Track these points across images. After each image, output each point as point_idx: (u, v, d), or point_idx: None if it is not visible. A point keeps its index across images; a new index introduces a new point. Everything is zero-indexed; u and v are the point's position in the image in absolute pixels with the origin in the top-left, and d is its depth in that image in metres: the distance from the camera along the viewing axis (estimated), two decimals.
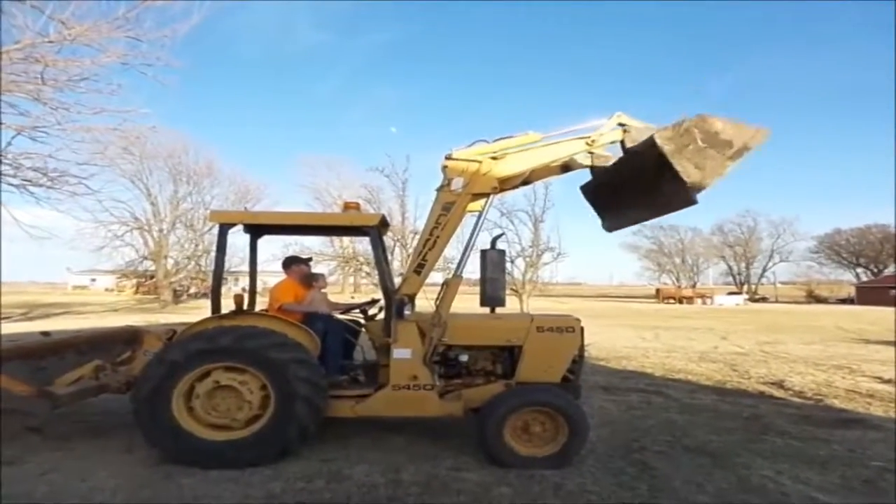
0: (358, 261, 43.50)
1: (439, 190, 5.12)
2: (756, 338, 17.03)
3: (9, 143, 16.40)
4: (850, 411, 6.91)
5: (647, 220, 5.79)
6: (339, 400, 4.82)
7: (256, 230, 5.76)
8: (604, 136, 5.15)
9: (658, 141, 4.48)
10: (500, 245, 5.48)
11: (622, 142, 5.13)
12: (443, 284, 5.18)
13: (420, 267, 5.07)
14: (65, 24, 14.21)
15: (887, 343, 14.66)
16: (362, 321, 5.50)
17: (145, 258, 41.01)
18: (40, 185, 17.44)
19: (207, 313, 5.03)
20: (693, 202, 4.60)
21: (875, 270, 72.74)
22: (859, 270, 75.79)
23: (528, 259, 36.68)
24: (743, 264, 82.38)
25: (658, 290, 68.95)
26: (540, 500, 3.91)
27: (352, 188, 48.41)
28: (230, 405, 4.51)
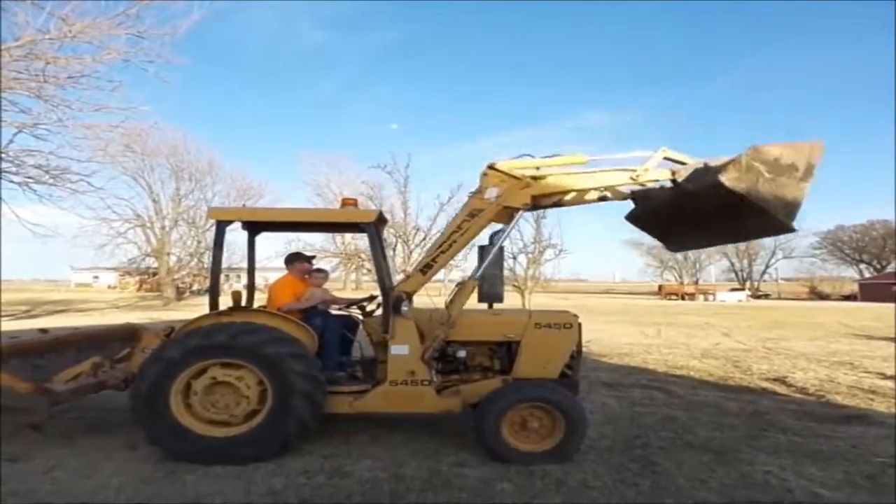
0: (360, 257, 43.55)
1: (471, 195, 5.12)
2: (758, 334, 16.98)
3: (10, 141, 16.44)
4: (853, 407, 6.89)
5: (729, 243, 5.81)
6: (336, 396, 4.81)
7: (254, 227, 5.75)
8: (649, 173, 5.06)
9: (728, 183, 4.39)
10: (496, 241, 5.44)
11: (673, 179, 5.02)
12: (457, 285, 5.16)
13: (427, 267, 5.06)
14: (66, 20, 14.24)
15: (890, 339, 14.61)
16: (360, 317, 5.48)
17: (147, 255, 41.12)
18: (42, 183, 17.49)
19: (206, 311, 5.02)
20: (792, 230, 4.68)
21: (878, 267, 72.54)
22: (862, 267, 75.59)
23: (530, 255, 36.65)
24: (745, 261, 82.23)
25: (661, 287, 68.96)
26: (542, 496, 3.89)
27: (353, 185, 48.41)
28: (228, 401, 4.51)
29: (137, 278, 49.57)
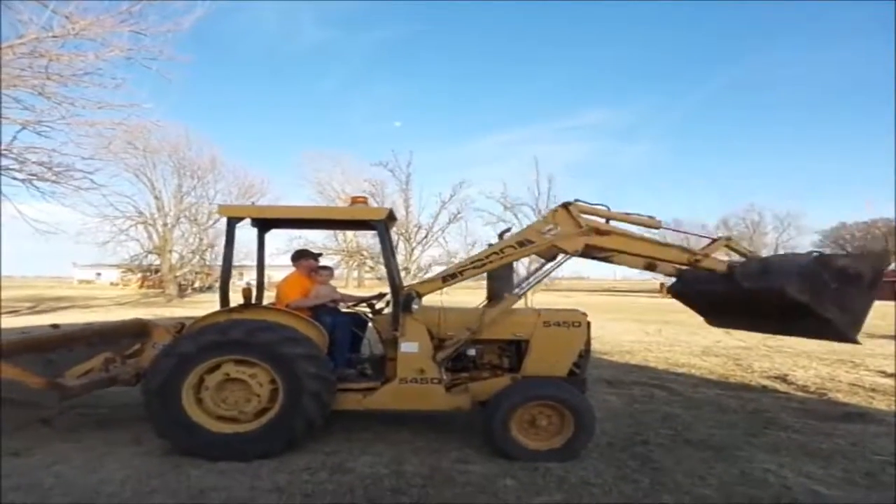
0: (362, 255, 43.61)
1: (530, 226, 5.18)
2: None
3: (14, 138, 16.47)
4: (853, 405, 6.93)
5: (777, 335, 5.71)
6: (346, 393, 4.86)
7: (264, 224, 5.79)
8: (709, 261, 5.05)
9: (793, 294, 4.39)
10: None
11: (729, 273, 4.97)
12: (503, 294, 5.19)
13: (451, 277, 5.08)
14: (69, 18, 14.24)
15: (891, 337, 14.62)
16: (370, 315, 5.53)
17: (150, 252, 41.21)
18: (45, 180, 17.52)
19: (213, 307, 5.07)
20: (855, 342, 4.64)
21: None
22: None
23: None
24: None
25: (662, 285, 68.78)
26: (544, 493, 3.95)
27: (355, 183, 48.43)
28: (239, 398, 4.56)
29: (140, 275, 49.64)
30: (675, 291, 5.77)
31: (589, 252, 5.09)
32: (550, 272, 5.24)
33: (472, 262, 5.10)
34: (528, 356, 5.05)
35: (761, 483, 4.21)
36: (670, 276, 5.40)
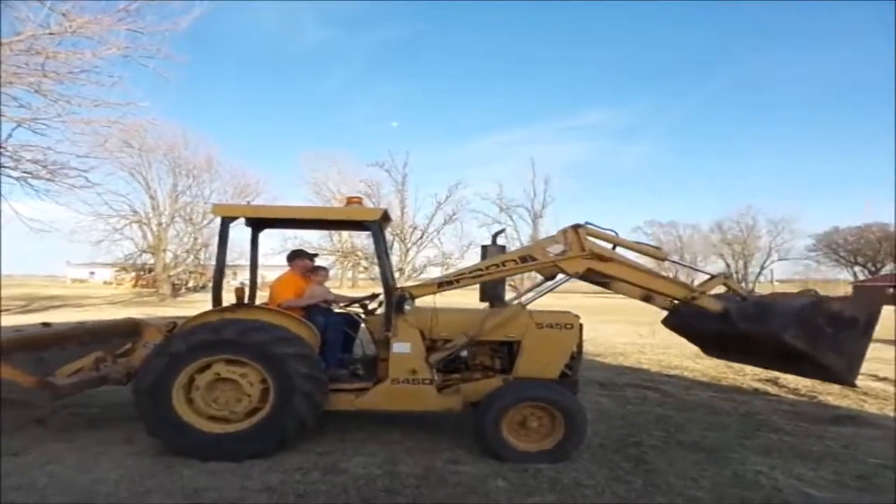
0: (356, 255, 43.57)
1: (537, 243, 5.23)
2: None
3: (9, 136, 16.43)
4: (844, 408, 6.97)
5: (773, 370, 5.69)
6: (338, 393, 4.85)
7: (258, 224, 5.78)
8: (705, 300, 5.08)
9: (790, 340, 4.46)
10: (500, 241, 5.52)
11: (725, 314, 5.03)
12: (496, 295, 5.28)
13: (447, 283, 5.08)
14: (66, 16, 14.25)
15: (882, 341, 14.72)
16: (362, 315, 5.53)
17: (144, 251, 41.10)
18: (40, 178, 17.46)
19: (206, 306, 5.06)
20: (853, 386, 4.81)
21: (873, 269, 72.86)
22: (857, 269, 75.91)
23: None
24: (741, 262, 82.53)
25: None
26: (536, 494, 3.95)
27: (351, 183, 48.49)
28: (229, 398, 4.55)
29: (133, 274, 49.47)
30: (671, 325, 5.80)
31: (588, 276, 5.15)
32: (550, 290, 5.23)
33: (471, 272, 5.12)
34: (520, 357, 5.05)
35: (753, 485, 4.23)
36: (665, 308, 5.46)
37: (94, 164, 18.87)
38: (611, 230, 5.16)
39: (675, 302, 5.25)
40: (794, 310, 4.58)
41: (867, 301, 4.68)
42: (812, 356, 4.52)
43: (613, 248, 5.15)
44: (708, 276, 5.32)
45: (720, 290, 5.33)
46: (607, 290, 5.42)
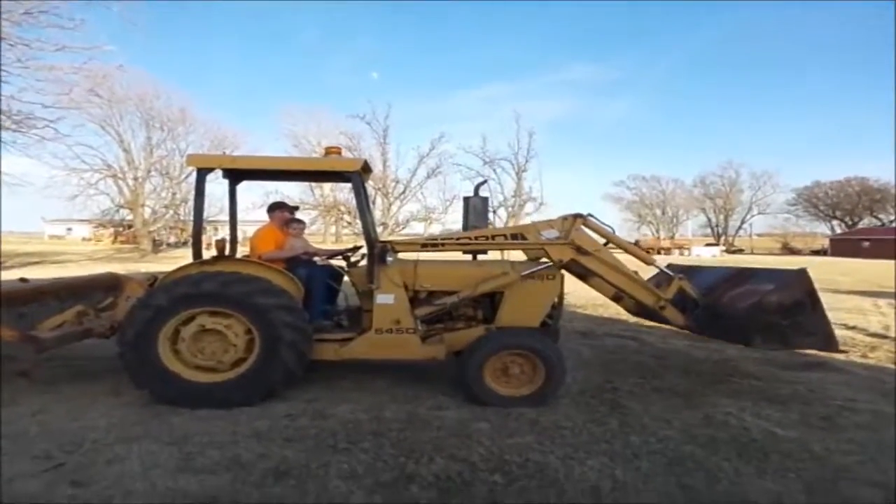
0: (339, 210, 43.20)
1: (539, 223, 5.34)
2: None
3: None
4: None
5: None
6: (323, 343, 4.92)
7: (236, 175, 5.69)
8: (669, 311, 5.28)
9: (761, 346, 4.84)
10: (482, 193, 5.53)
11: (686, 327, 5.33)
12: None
13: (431, 246, 5.27)
14: None
15: (856, 293, 15.17)
16: (345, 267, 5.55)
17: (121, 207, 40.27)
18: (7, 129, 16.87)
19: (187, 261, 5.03)
20: (838, 350, 5.10)
21: (850, 223, 74.39)
22: (834, 223, 77.45)
23: (510, 209, 36.79)
24: (722, 216, 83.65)
25: (637, 241, 69.94)
26: (517, 435, 4.10)
27: (331, 136, 47.59)
28: (216, 348, 4.59)
29: (112, 230, 48.66)
30: (634, 312, 6.11)
31: (569, 266, 5.30)
32: (531, 272, 5.26)
33: (458, 239, 5.28)
34: (503, 307, 5.14)
35: (722, 425, 4.42)
36: (628, 311, 5.89)
37: (61, 114, 18.26)
38: (608, 226, 5.33)
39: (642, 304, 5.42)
40: (743, 317, 4.82)
41: (796, 282, 4.86)
42: (790, 347, 4.91)
43: (606, 244, 5.31)
44: (667, 279, 5.49)
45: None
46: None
